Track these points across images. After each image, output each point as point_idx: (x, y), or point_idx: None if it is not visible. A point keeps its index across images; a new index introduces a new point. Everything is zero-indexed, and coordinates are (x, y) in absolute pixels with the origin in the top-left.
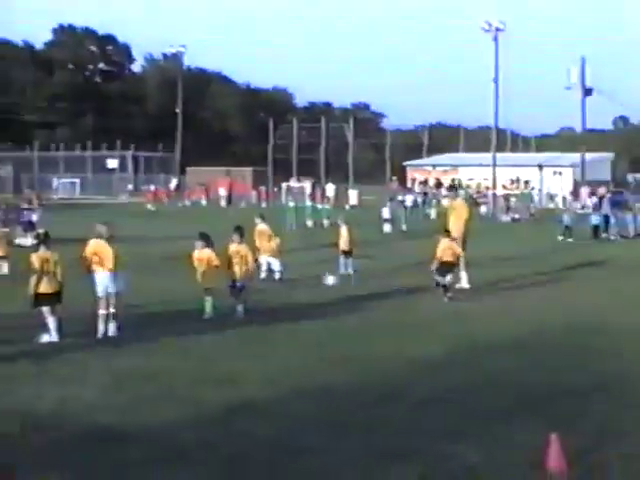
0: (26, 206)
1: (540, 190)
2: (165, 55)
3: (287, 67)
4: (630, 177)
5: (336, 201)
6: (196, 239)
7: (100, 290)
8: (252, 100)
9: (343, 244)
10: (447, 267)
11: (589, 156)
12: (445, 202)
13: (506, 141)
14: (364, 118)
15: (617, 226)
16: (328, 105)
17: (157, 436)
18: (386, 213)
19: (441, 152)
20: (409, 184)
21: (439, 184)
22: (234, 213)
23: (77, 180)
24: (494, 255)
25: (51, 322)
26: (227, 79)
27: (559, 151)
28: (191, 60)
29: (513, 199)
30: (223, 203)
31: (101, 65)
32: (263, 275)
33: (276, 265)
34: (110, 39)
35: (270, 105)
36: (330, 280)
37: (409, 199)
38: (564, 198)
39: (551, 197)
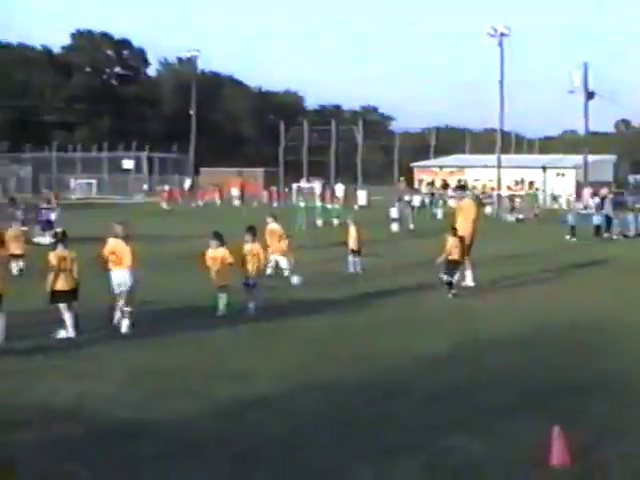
0: (45, 205)
1: (544, 191)
2: (179, 59)
3: (298, 71)
4: (631, 178)
5: (345, 201)
6: (210, 238)
7: (116, 287)
8: (264, 103)
9: (352, 243)
10: (454, 265)
11: (592, 158)
12: (452, 202)
13: (511, 143)
14: (373, 121)
15: (619, 226)
16: (338, 108)
17: (171, 430)
18: (394, 213)
19: (448, 154)
20: (416, 185)
21: (446, 185)
22: (247, 213)
23: (94, 180)
24: (499, 254)
25: (68, 318)
26: (239, 82)
27: (562, 153)
28: (205, 64)
29: (518, 200)
30: (236, 203)
31: (117, 69)
32: (269, 271)
33: (284, 264)
34: (126, 44)
35: (281, 108)
36: (295, 280)
37: (416, 199)
38: (567, 200)
39: (555, 198)
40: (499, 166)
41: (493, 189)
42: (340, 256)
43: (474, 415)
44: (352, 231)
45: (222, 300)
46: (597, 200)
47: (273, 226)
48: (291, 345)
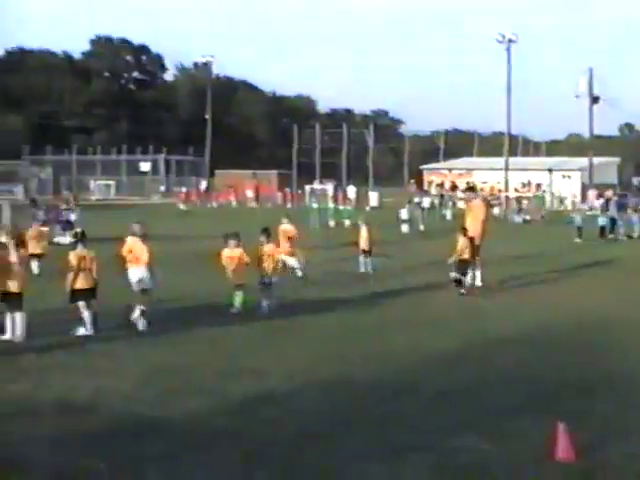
0: (65, 206)
1: (552, 193)
2: (195, 64)
3: (310, 75)
4: (635, 180)
5: (357, 203)
6: (224, 238)
7: (135, 285)
8: (277, 107)
9: (363, 243)
10: (465, 264)
11: (596, 160)
12: (461, 204)
13: (518, 146)
14: (383, 124)
15: (623, 227)
16: (349, 112)
17: (185, 427)
18: (404, 214)
19: (456, 156)
20: (426, 187)
21: (454, 187)
22: (261, 214)
23: (112, 182)
24: (507, 254)
25: (87, 316)
26: (254, 87)
27: (568, 156)
28: (220, 69)
29: (525, 201)
30: (251, 204)
31: (135, 74)
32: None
33: (293, 263)
34: (144, 49)
35: (294, 111)
36: (299, 273)
37: (426, 201)
38: (573, 202)
39: (561, 200)
40: (506, 168)
41: (500, 191)
42: (351, 256)
43: (482, 414)
44: (363, 232)
45: (238, 298)
46: (602, 202)
47: (286, 226)
48: (303, 343)
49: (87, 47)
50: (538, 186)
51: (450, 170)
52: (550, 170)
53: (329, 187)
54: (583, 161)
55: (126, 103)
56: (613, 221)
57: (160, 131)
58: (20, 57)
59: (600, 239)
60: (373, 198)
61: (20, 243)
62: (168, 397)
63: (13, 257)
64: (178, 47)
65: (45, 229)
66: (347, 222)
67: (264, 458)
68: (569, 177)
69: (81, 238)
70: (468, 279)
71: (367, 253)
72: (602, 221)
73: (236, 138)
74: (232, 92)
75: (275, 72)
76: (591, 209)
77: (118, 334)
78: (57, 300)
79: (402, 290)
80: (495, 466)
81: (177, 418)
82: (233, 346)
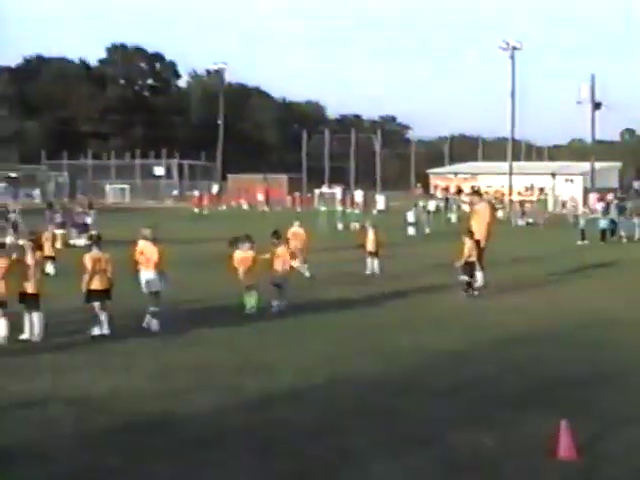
0: (80, 210)
1: (557, 195)
2: (208, 71)
3: (320, 82)
4: (636, 184)
5: (364, 206)
6: (233, 241)
7: (145, 287)
8: (287, 113)
9: (370, 246)
10: (471, 266)
11: (598, 165)
12: (465, 207)
13: (521, 151)
14: (391, 130)
15: (624, 230)
16: (358, 117)
17: (198, 422)
18: (411, 217)
19: (462, 161)
20: (432, 190)
21: (460, 190)
22: (271, 216)
23: (127, 186)
24: (510, 256)
25: (102, 316)
26: (264, 93)
27: (570, 160)
28: (232, 76)
29: (528, 205)
30: (262, 207)
31: (150, 81)
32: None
33: (300, 266)
34: (158, 57)
35: (304, 117)
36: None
37: (432, 204)
38: (574, 206)
39: (563, 204)
40: (510, 173)
41: (504, 195)
42: (359, 258)
43: (485, 410)
44: (370, 234)
45: (253, 298)
46: (603, 205)
47: (297, 229)
48: (313, 341)
49: (103, 55)
50: (541, 190)
51: (456, 174)
52: (553, 174)
53: (338, 191)
54: (585, 166)
55: (140, 109)
56: (614, 224)
57: (173, 136)
58: (38, 65)
59: (601, 242)
60: (380, 201)
61: (37, 246)
62: (182, 394)
63: (30, 260)
64: (191, 54)
65: (61, 232)
66: (355, 225)
67: (278, 452)
68: (572, 181)
69: (96, 241)
70: (478, 277)
71: (374, 255)
72: (603, 224)
73: (247, 143)
74: (243, 98)
75: (286, 79)
76: (592, 213)
77: (133, 333)
78: (73, 300)
79: (408, 291)
80: (497, 460)
81: (192, 414)
82: (245, 344)
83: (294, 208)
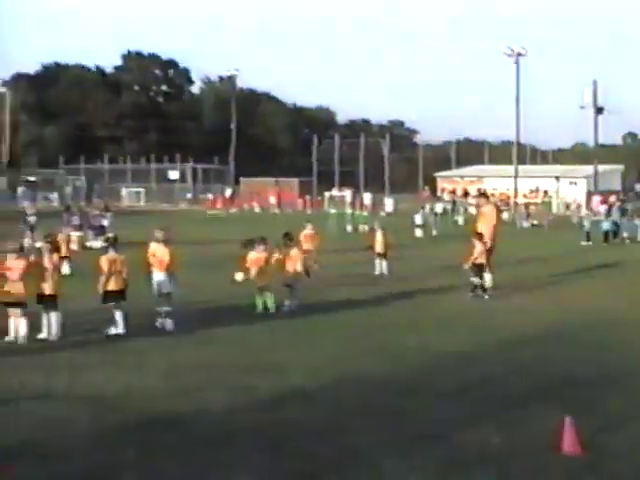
0: (97, 212)
1: (562, 198)
2: (221, 78)
3: (330, 88)
4: (638, 187)
5: (373, 208)
6: (247, 242)
7: (156, 289)
8: (298, 118)
9: (379, 247)
10: (481, 268)
11: (601, 168)
12: (472, 209)
13: (526, 154)
14: (399, 134)
15: (627, 231)
16: (367, 122)
17: (210, 420)
18: (418, 219)
19: (468, 164)
20: (439, 193)
21: (466, 193)
22: (283, 219)
23: (142, 189)
24: (515, 257)
25: (118, 316)
26: (276, 99)
27: (573, 164)
28: (244, 82)
29: (533, 207)
30: (273, 210)
31: (164, 87)
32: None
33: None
34: (172, 64)
35: (314, 122)
36: (238, 277)
37: (439, 207)
38: (578, 206)
39: (567, 206)
40: (516, 176)
41: (509, 197)
42: (367, 259)
43: (491, 408)
44: (379, 236)
45: (270, 299)
46: (606, 207)
47: (309, 232)
48: (322, 341)
49: (118, 62)
50: (545, 192)
51: (462, 177)
52: (557, 177)
53: (347, 194)
54: (589, 169)
55: (155, 114)
56: (616, 226)
57: (187, 141)
58: (56, 72)
59: (604, 243)
60: (388, 204)
61: (54, 248)
62: (194, 393)
63: (48, 261)
64: (204, 61)
65: (78, 234)
66: (363, 227)
67: (287, 451)
68: (575, 184)
69: (112, 243)
70: (487, 278)
71: (382, 256)
72: (606, 226)
73: (259, 147)
74: (255, 104)
75: (296, 85)
76: (595, 215)
77: (146, 333)
78: (89, 301)
79: (415, 292)
80: (504, 458)
81: (203, 413)
82: (257, 344)
83: (305, 211)
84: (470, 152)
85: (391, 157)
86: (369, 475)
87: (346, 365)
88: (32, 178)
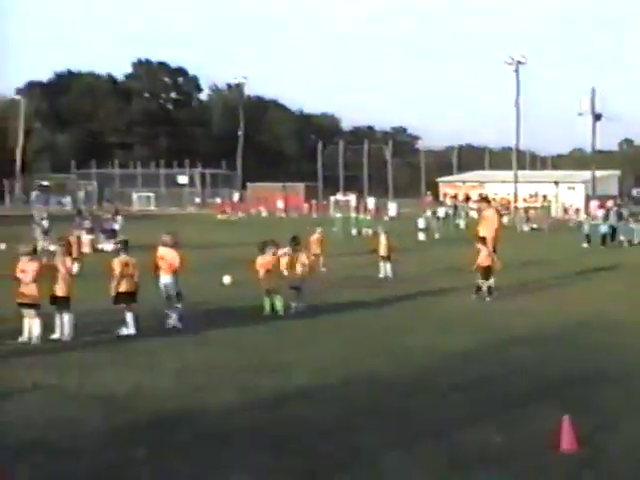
0: (108, 216)
1: (561, 202)
2: (228, 85)
3: (335, 95)
4: (635, 191)
5: (377, 213)
6: (257, 245)
7: (164, 291)
8: (304, 124)
9: (382, 250)
10: (488, 270)
11: (599, 173)
12: (473, 214)
13: (526, 160)
14: (402, 140)
15: (623, 235)
16: (371, 129)
17: (217, 419)
18: (421, 223)
19: (469, 170)
20: (442, 198)
21: (468, 198)
22: (289, 222)
23: (152, 194)
24: (515, 260)
25: (129, 318)
26: (282, 106)
27: (571, 169)
28: (251, 89)
29: (532, 211)
30: (280, 214)
31: (173, 94)
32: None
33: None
34: (181, 72)
35: (320, 129)
36: (226, 280)
37: (441, 211)
38: (577, 210)
39: (566, 210)
40: (516, 181)
41: (509, 202)
42: (372, 262)
43: (492, 407)
44: (383, 239)
45: (278, 302)
46: (603, 212)
47: (319, 236)
48: (328, 342)
49: (129, 70)
50: (544, 197)
51: (464, 182)
52: (556, 182)
53: (351, 198)
54: (587, 174)
55: (164, 121)
56: (613, 229)
57: (195, 147)
58: (68, 80)
59: (602, 246)
60: (392, 209)
61: (67, 251)
62: (203, 392)
63: (60, 264)
64: (212, 69)
65: (90, 237)
66: (368, 230)
67: (292, 449)
68: (574, 189)
69: (124, 246)
70: (491, 281)
71: (386, 259)
72: (603, 229)
73: (266, 153)
74: (262, 111)
75: (302, 92)
76: (593, 219)
77: (156, 333)
78: (101, 302)
79: (419, 293)
80: (504, 456)
81: (211, 412)
82: (264, 345)
83: (310, 214)
84: (471, 158)
85: (394, 163)
86: (373, 473)
87: (352, 365)
88: (45, 183)
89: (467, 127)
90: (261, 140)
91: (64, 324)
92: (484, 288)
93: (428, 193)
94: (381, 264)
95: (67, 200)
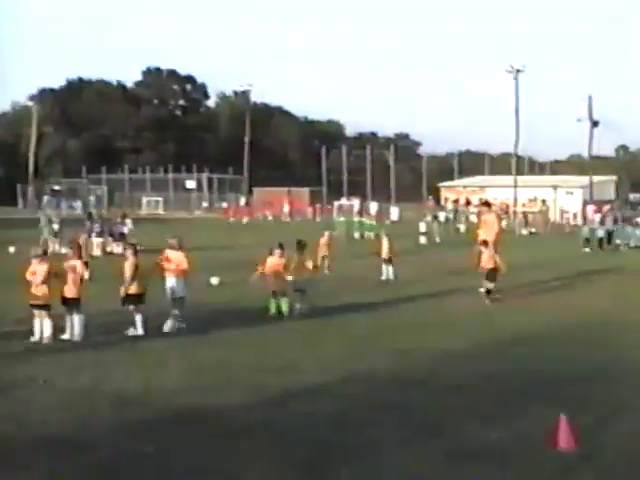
0: (118, 220)
1: (559, 207)
2: (235, 92)
3: (339, 102)
4: (631, 197)
5: (379, 217)
6: (266, 248)
7: (169, 294)
8: (309, 130)
9: (385, 253)
10: (494, 273)
11: (596, 179)
12: (473, 218)
13: (524, 165)
14: (404, 146)
15: (619, 238)
16: (374, 134)
17: (226, 415)
18: (422, 227)
19: (470, 175)
20: (443, 202)
21: (468, 202)
22: (294, 226)
23: (161, 198)
24: (514, 263)
25: (137, 319)
26: (288, 113)
27: (569, 174)
28: (257, 96)
29: (531, 215)
30: (285, 218)
31: (181, 101)
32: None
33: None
34: (189, 79)
35: (324, 135)
36: (214, 281)
37: (442, 215)
38: (574, 214)
39: (562, 214)
40: (515, 186)
41: (508, 206)
42: (374, 265)
43: (490, 404)
44: (385, 243)
45: (284, 304)
46: (600, 216)
47: (326, 240)
48: (332, 342)
49: (139, 77)
50: (543, 202)
51: (465, 187)
52: (555, 187)
53: (355, 202)
54: (584, 179)
55: (173, 127)
56: (609, 233)
57: (203, 152)
58: (79, 87)
59: (599, 249)
60: (394, 213)
61: (78, 254)
62: (211, 390)
63: (71, 266)
64: (220, 77)
65: (100, 240)
66: (370, 234)
67: (299, 443)
68: (572, 194)
69: (133, 249)
70: (494, 283)
71: (388, 262)
72: (600, 233)
73: (272, 158)
74: (268, 117)
75: (307, 99)
76: (589, 223)
77: (165, 334)
78: (110, 303)
79: (421, 295)
80: (502, 451)
81: (220, 409)
82: (271, 345)
83: (314, 219)
84: (471, 163)
85: (396, 168)
86: (375, 465)
87: (356, 364)
88: (57, 187)
89: (467, 133)
90: (267, 146)
91: (74, 325)
92: (491, 290)
93: (430, 198)
94: (383, 267)
95: (78, 204)
